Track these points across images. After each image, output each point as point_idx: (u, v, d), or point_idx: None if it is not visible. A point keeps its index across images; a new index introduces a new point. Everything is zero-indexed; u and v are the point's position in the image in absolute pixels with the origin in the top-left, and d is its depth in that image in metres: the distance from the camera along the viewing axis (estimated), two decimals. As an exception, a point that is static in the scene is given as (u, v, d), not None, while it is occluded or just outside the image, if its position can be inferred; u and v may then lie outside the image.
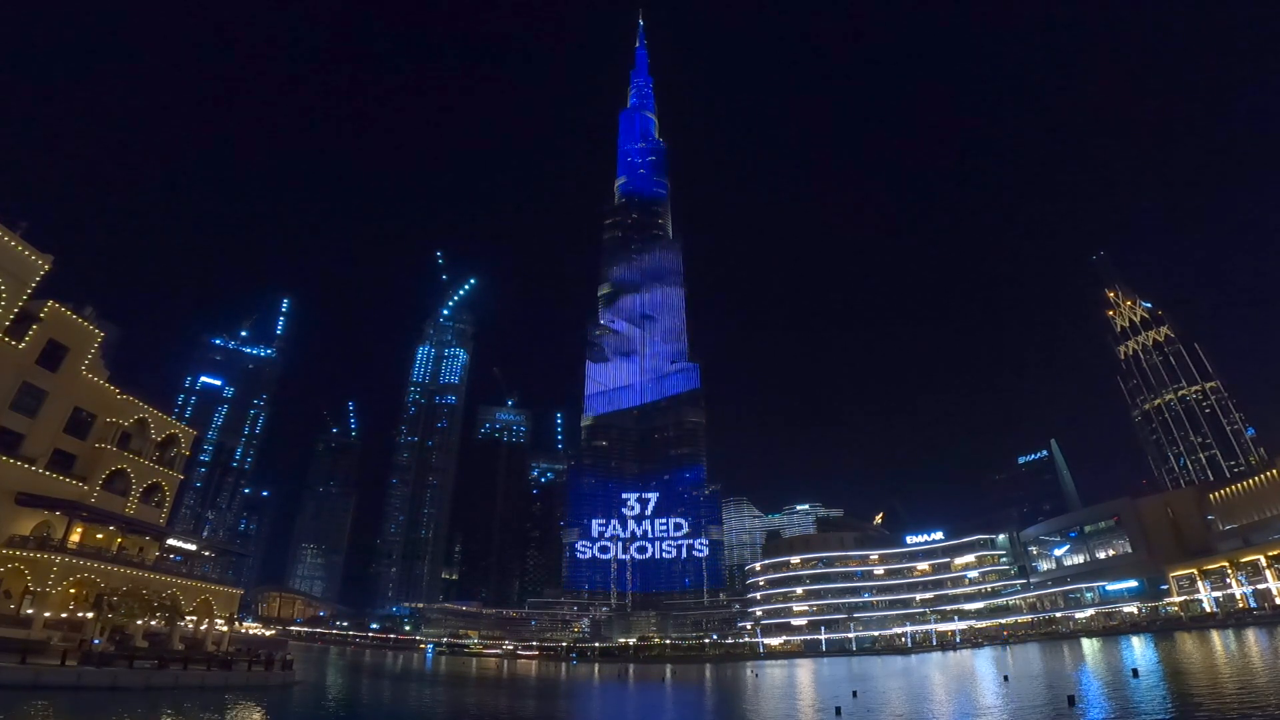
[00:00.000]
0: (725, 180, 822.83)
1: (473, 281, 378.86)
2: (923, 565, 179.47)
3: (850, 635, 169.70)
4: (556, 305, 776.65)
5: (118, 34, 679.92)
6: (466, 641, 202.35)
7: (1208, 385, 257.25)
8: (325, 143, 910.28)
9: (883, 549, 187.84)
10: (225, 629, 65.10)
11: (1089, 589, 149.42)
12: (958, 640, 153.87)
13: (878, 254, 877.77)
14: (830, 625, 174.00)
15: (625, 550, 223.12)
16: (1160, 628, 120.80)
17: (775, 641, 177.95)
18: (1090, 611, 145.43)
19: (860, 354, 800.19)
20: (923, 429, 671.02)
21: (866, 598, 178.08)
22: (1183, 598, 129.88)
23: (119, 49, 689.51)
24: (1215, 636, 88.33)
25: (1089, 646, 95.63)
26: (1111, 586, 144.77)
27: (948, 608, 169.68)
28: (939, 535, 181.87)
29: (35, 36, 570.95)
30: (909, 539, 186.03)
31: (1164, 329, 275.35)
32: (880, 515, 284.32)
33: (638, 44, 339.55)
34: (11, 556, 47.67)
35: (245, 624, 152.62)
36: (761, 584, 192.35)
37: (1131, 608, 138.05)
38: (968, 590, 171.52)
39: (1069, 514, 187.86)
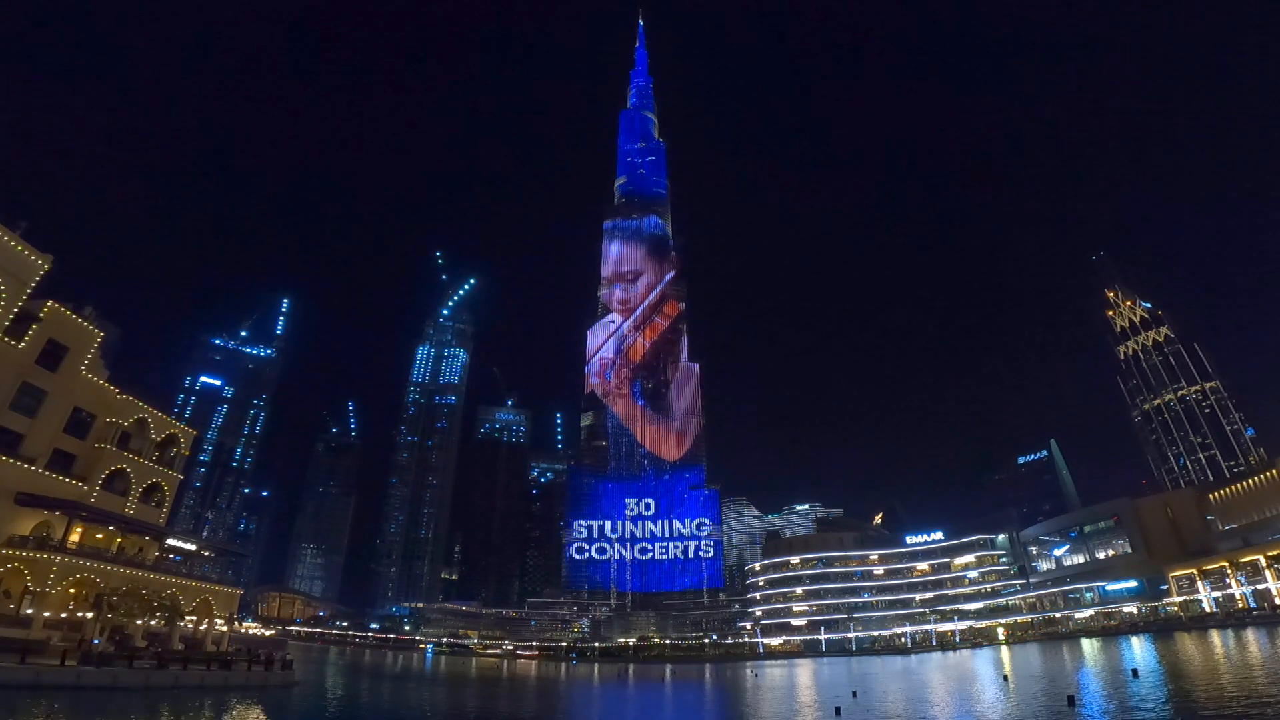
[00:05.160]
0: (725, 180, 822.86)
1: (473, 281, 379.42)
2: (922, 565, 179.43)
3: (850, 635, 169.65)
4: (556, 305, 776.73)
5: (118, 34, 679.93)
6: (466, 641, 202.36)
7: (1208, 385, 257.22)
8: (325, 142, 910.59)
9: (882, 549, 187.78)
10: (225, 629, 65.18)
11: (1089, 589, 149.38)
12: (958, 640, 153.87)
13: (878, 254, 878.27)
14: (830, 625, 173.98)
15: (625, 550, 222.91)
16: (1160, 628, 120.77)
17: (775, 641, 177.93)
18: (1090, 611, 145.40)
19: (860, 354, 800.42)
20: (923, 429, 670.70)
21: (866, 598, 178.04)
22: (1182, 598, 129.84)
23: (119, 49, 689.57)
24: (1215, 636, 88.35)
25: (1089, 646, 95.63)
26: (1111, 586, 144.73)
27: (947, 608, 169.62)
28: (939, 535, 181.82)
29: (35, 36, 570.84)
30: (909, 539, 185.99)
31: (1164, 329, 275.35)
32: (880, 515, 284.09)
33: (638, 44, 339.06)
34: (11, 556, 47.69)
35: (245, 624, 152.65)
36: (761, 584, 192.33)
37: (1131, 608, 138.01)
38: (967, 590, 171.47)
39: (1069, 514, 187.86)
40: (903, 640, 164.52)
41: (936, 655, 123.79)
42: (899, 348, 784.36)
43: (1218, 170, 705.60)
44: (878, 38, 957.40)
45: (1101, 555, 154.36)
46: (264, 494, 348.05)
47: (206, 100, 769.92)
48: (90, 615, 49.64)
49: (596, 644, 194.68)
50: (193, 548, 77.20)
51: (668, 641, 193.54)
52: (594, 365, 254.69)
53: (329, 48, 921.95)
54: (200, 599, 58.62)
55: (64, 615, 49.91)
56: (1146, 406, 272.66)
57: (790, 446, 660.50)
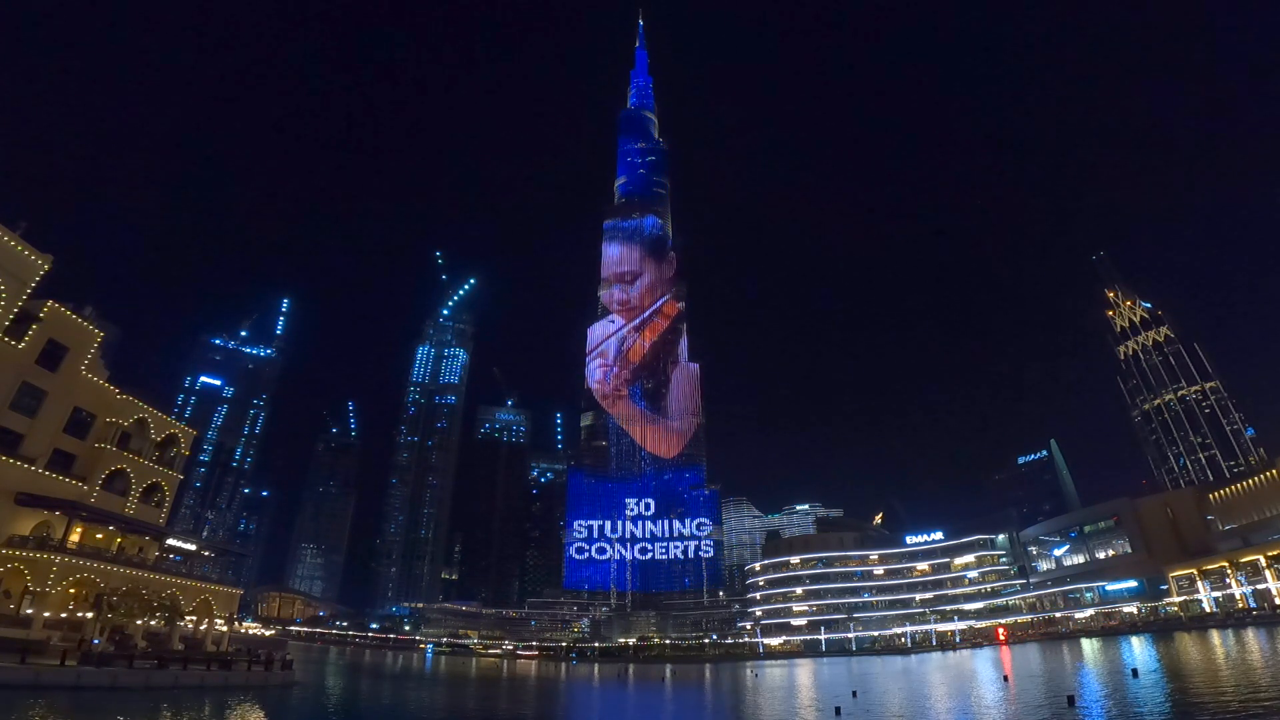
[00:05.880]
0: (725, 180, 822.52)
1: (473, 281, 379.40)
2: (922, 565, 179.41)
3: (850, 635, 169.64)
4: (556, 305, 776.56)
5: (118, 33, 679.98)
6: (466, 641, 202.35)
7: (1208, 385, 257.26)
8: (325, 142, 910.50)
9: (882, 549, 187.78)
10: (225, 629, 65.19)
11: (1089, 589, 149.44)
12: (958, 640, 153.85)
13: (878, 254, 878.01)
14: (830, 625, 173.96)
15: (625, 550, 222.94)
16: (1160, 628, 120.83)
17: (775, 641, 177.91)
18: (1090, 611, 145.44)
19: (860, 354, 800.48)
20: (923, 429, 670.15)
21: (866, 598, 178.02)
22: (1182, 598, 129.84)
23: (119, 48, 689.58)
24: (1215, 636, 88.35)
25: (1089, 646, 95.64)
26: (1111, 586, 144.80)
27: (947, 608, 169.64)
28: (939, 535, 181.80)
29: (36, 36, 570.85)
30: (909, 539, 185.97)
31: (1164, 329, 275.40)
32: (880, 515, 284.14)
33: (638, 44, 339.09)
34: (11, 556, 47.69)
35: (245, 624, 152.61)
36: (761, 584, 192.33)
37: (1131, 608, 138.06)
38: (967, 590, 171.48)
39: (1069, 514, 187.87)
40: (903, 640, 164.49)
41: (936, 655, 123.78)
42: (899, 347, 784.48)
43: (1217, 170, 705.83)
44: (878, 37, 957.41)
45: (1101, 555, 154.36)
46: (264, 494, 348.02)
47: (207, 100, 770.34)
48: (90, 615, 49.62)
49: (596, 644, 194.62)
50: (193, 548, 77.23)
51: (668, 641, 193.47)
52: (594, 365, 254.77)
53: (329, 47, 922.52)
54: (200, 599, 58.63)
55: (64, 615, 49.88)
56: (1146, 406, 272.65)
57: (790, 446, 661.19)
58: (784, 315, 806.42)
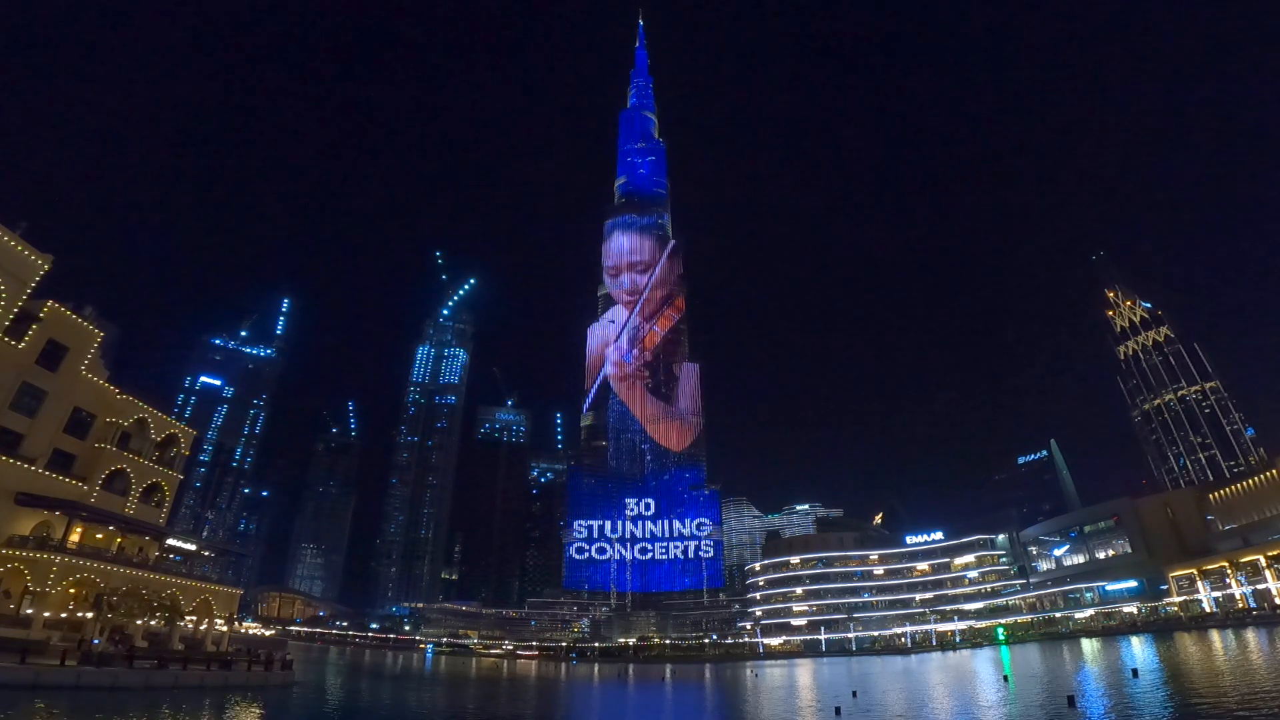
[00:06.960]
0: (725, 181, 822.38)
1: (473, 281, 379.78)
2: (922, 565, 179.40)
3: (850, 635, 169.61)
4: (556, 305, 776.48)
5: (118, 33, 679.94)
6: (466, 641, 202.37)
7: (1208, 385, 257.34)
8: (325, 142, 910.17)
9: (882, 549, 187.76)
10: (225, 629, 65.17)
11: (1089, 589, 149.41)
12: (958, 640, 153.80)
13: (878, 253, 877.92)
14: (830, 625, 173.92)
15: (625, 550, 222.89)
16: (1160, 628, 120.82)
17: (775, 641, 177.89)
18: (1090, 611, 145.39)
19: (860, 354, 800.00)
20: (923, 429, 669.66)
21: (866, 598, 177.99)
22: (1182, 598, 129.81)
23: (119, 48, 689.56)
24: (1215, 636, 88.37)
25: (1089, 646, 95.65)
26: (1111, 586, 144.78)
27: (947, 608, 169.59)
28: (939, 535, 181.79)
29: (36, 35, 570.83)
30: (909, 539, 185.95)
31: (1164, 329, 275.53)
32: (880, 515, 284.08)
33: (638, 44, 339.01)
34: (11, 556, 47.69)
35: (245, 624, 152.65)
36: (761, 584, 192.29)
37: (1131, 608, 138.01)
38: (967, 590, 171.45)
39: (1069, 514, 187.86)
40: (903, 640, 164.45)
41: (936, 655, 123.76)
42: (899, 347, 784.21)
43: (1218, 170, 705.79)
44: (878, 37, 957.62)
45: (1101, 555, 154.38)
46: (264, 494, 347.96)
47: (207, 100, 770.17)
48: (90, 615, 49.62)
49: (596, 644, 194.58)
50: (193, 548, 77.37)
51: (668, 641, 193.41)
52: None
53: (329, 47, 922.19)
54: (200, 599, 58.62)
55: (64, 615, 49.89)
56: (1146, 406, 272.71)
57: (790, 446, 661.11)
58: (784, 315, 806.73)
